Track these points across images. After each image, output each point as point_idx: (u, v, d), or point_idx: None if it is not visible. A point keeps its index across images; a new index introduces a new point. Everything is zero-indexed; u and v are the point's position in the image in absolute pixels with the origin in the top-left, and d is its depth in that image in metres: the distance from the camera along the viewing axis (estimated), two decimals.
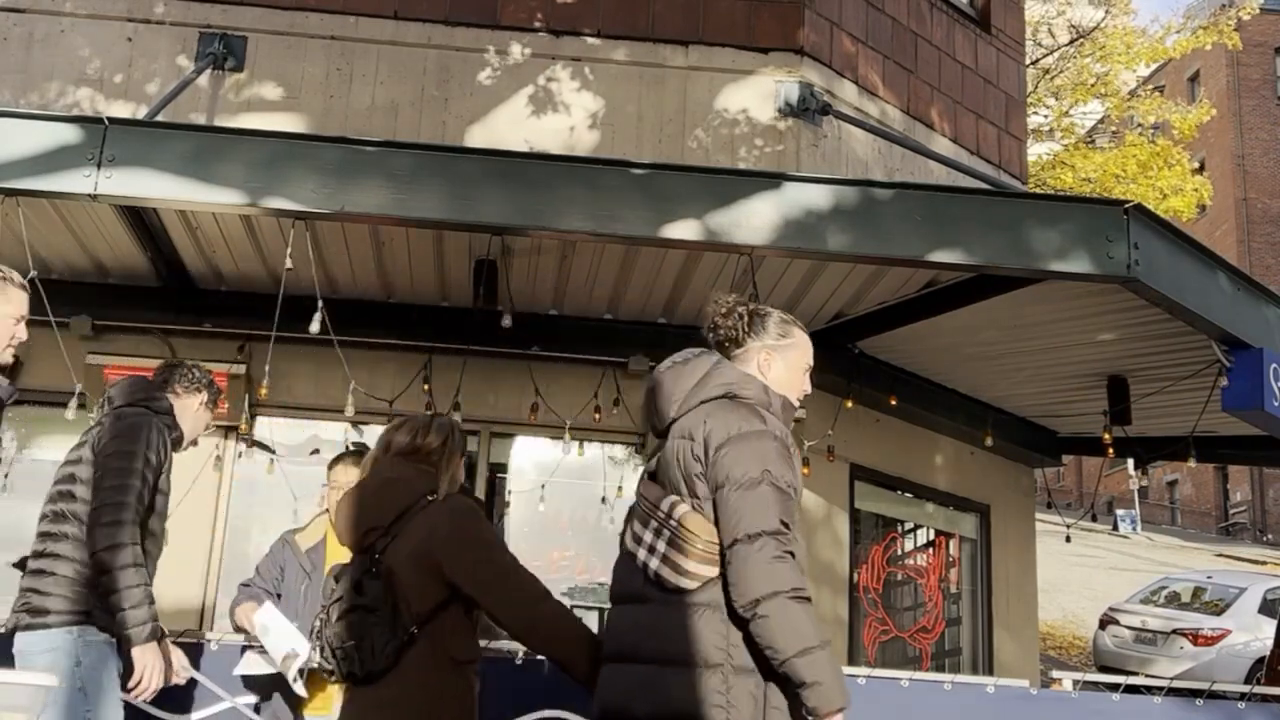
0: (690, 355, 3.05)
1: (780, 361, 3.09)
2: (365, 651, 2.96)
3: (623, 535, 3.10)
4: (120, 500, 3.59)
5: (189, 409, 4.02)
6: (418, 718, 3.00)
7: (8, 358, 3.54)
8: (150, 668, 3.56)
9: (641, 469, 3.16)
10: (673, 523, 2.81)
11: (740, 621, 2.74)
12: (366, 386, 6.85)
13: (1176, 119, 20.79)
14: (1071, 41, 21.18)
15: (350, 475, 4.34)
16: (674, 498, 2.87)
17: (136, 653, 3.54)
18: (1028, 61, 16.10)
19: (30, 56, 7.63)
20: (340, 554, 4.32)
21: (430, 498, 3.14)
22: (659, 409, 2.99)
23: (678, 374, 3.00)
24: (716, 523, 2.80)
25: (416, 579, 3.03)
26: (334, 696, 4.18)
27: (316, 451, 7.44)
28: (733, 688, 2.71)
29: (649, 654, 2.79)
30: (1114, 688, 5.32)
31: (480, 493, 7.51)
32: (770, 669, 2.73)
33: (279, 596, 4.35)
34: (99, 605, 3.58)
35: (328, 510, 4.43)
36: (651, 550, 2.85)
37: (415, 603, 3.01)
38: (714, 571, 2.79)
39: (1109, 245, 5.20)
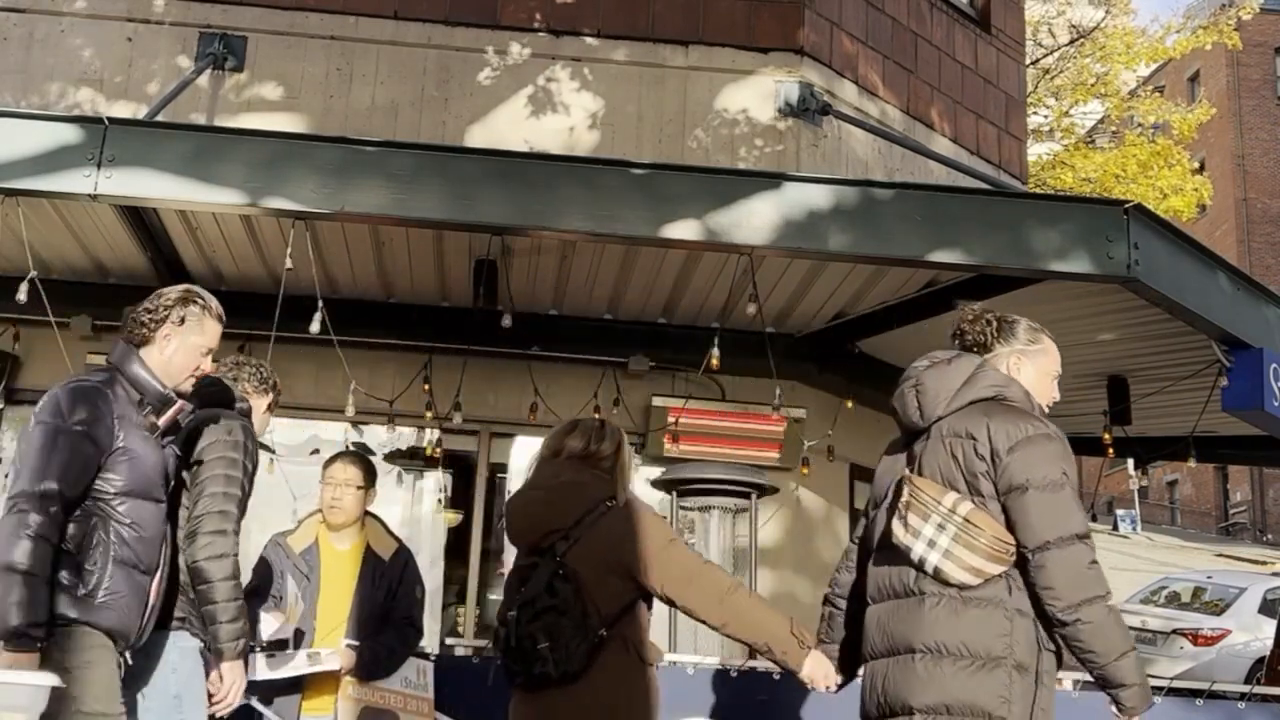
0: (949, 355, 3.11)
1: (1030, 366, 3.18)
2: (560, 653, 3.01)
3: (870, 533, 3.14)
4: (225, 509, 3.52)
5: (258, 411, 3.96)
6: (609, 718, 3.07)
7: (187, 387, 3.45)
8: (237, 683, 3.52)
9: (887, 464, 3.18)
10: (958, 519, 2.83)
11: (1037, 621, 2.82)
12: (366, 386, 6.85)
13: (1176, 119, 20.80)
14: (1071, 41, 21.18)
15: (349, 473, 4.33)
16: (955, 494, 2.89)
17: (227, 667, 3.46)
18: (1028, 61, 16.10)
19: (30, 56, 7.63)
20: (337, 556, 4.33)
21: (610, 503, 3.21)
22: (923, 406, 3.02)
23: (941, 373, 3.05)
24: (1007, 523, 2.84)
25: (604, 581, 3.10)
26: (333, 697, 4.18)
27: (316, 451, 7.44)
28: (1014, 684, 2.78)
29: (928, 647, 2.83)
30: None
31: (480, 492, 7.52)
32: (1041, 667, 2.83)
33: (279, 599, 4.33)
34: (193, 612, 3.51)
35: (319, 511, 4.42)
36: (931, 545, 2.86)
37: (603, 605, 3.08)
38: (998, 568, 2.82)
39: (1109, 245, 5.20)
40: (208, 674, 3.47)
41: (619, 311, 7.26)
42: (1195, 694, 5.26)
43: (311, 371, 7.07)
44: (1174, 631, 13.43)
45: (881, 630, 2.96)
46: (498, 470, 7.67)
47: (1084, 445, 9.51)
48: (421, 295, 7.15)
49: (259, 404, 3.95)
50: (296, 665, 4.11)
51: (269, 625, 4.05)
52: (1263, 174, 36.59)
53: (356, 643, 4.21)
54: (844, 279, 6.49)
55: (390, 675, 4.31)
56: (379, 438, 7.64)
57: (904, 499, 2.92)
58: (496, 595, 7.59)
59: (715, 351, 5.88)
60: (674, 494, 6.88)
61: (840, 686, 3.25)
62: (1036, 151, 20.37)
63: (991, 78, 9.68)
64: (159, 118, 6.81)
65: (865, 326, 7.14)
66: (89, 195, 5.04)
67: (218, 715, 3.56)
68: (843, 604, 3.28)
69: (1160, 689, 5.28)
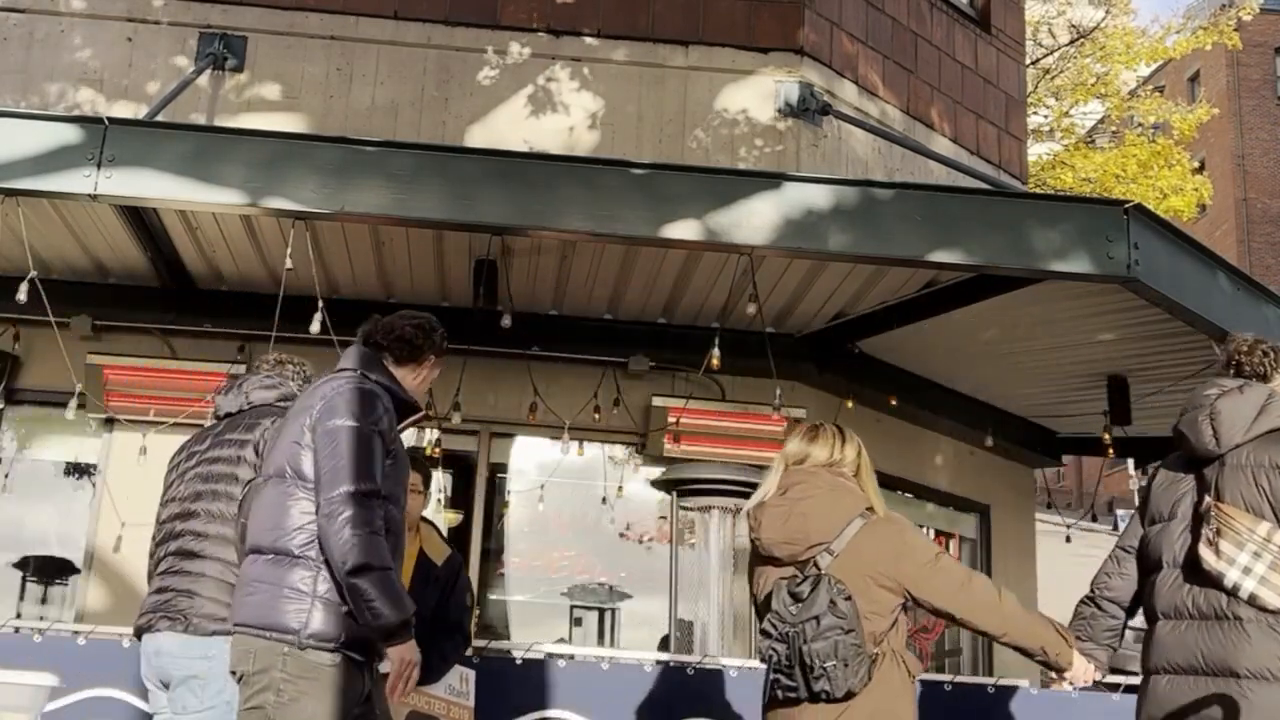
0: (1237, 383, 3.27)
1: None
2: (851, 671, 3.04)
3: (1154, 549, 3.29)
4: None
5: None
6: None
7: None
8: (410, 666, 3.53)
9: (1165, 483, 3.35)
10: (1274, 547, 3.02)
11: None
12: None
13: (1176, 119, 20.79)
14: (1071, 41, 21.17)
15: (410, 479, 4.34)
16: (1269, 524, 3.06)
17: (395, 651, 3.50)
18: (1028, 61, 16.10)
19: (30, 56, 7.63)
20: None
21: (869, 513, 3.23)
22: (1219, 434, 3.18)
23: (1235, 401, 3.20)
24: None
25: (872, 595, 3.13)
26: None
27: None
28: None
29: (1252, 672, 2.99)
30: (1114, 688, 5.31)
31: (480, 493, 7.52)
32: None
33: None
34: None
35: None
36: (1247, 571, 3.03)
37: (874, 619, 3.12)
38: None
39: (1109, 245, 5.20)
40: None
41: (619, 311, 7.26)
42: None
43: (311, 372, 7.06)
44: None
45: (1186, 648, 3.12)
46: (498, 470, 7.67)
47: (1084, 445, 9.54)
48: (421, 295, 7.15)
49: None
50: None
51: None
52: (1263, 174, 36.58)
53: None
54: (844, 279, 6.49)
55: (437, 681, 4.32)
56: None
57: (1213, 526, 3.08)
58: (497, 595, 7.59)
59: (715, 351, 5.88)
60: (674, 494, 6.89)
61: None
62: (1036, 151, 20.37)
63: (991, 78, 9.68)
64: (159, 118, 6.81)
65: (865, 326, 7.13)
66: (89, 195, 5.04)
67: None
68: (1113, 608, 3.45)
69: None
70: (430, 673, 4.24)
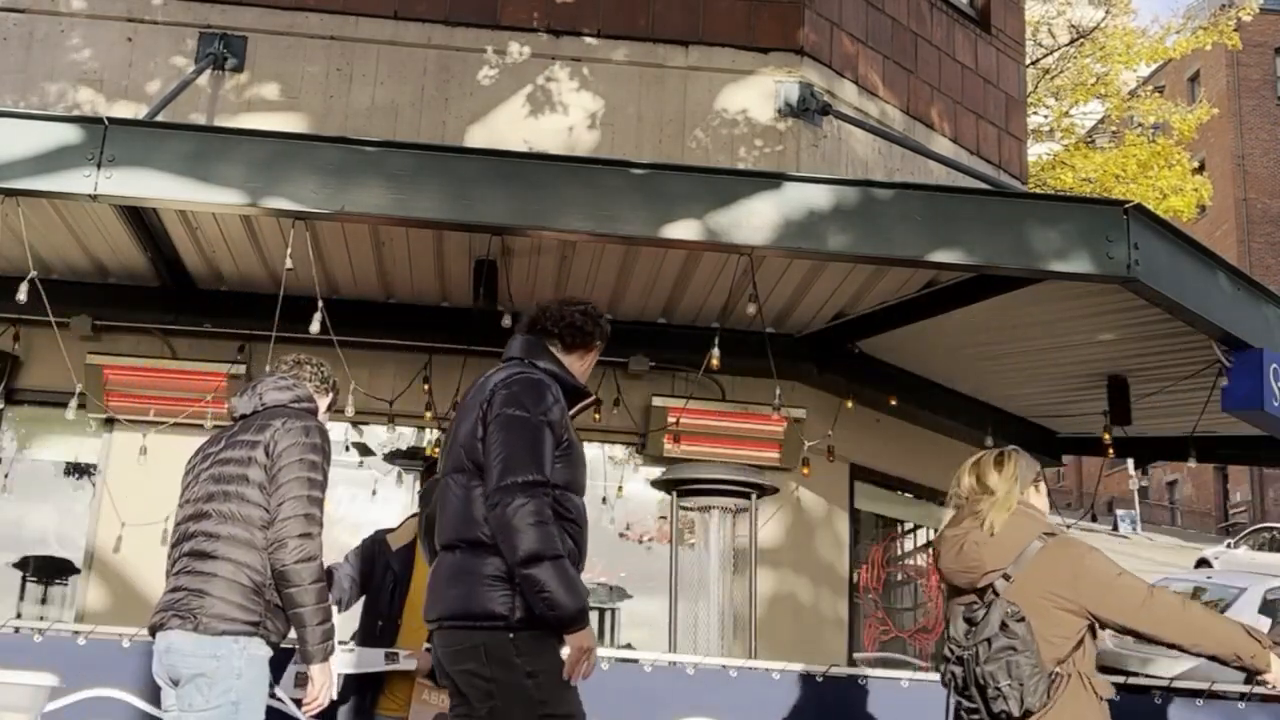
0: None
1: None
2: (1028, 691, 3.10)
3: None
4: (310, 512, 3.51)
5: (319, 411, 3.97)
6: None
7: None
8: (327, 685, 3.54)
9: None
10: None
11: None
12: (366, 386, 6.84)
13: (1176, 119, 20.79)
14: (1071, 41, 21.18)
15: None
16: None
17: (316, 669, 3.50)
18: (1028, 61, 16.10)
19: (30, 56, 7.63)
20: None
21: (1046, 537, 3.27)
22: None
23: None
24: None
25: (1053, 617, 3.18)
26: (407, 698, 4.16)
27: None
28: None
29: None
30: (1114, 688, 5.31)
31: None
32: None
33: (361, 589, 4.36)
34: (267, 615, 3.50)
35: (415, 515, 4.43)
36: None
37: (1055, 640, 3.16)
38: None
39: (1109, 245, 5.20)
40: (276, 683, 3.48)
41: (619, 311, 7.25)
42: (1195, 694, 5.25)
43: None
44: None
45: None
46: None
47: (1084, 445, 9.54)
48: (421, 295, 7.15)
49: (320, 404, 3.96)
50: (372, 662, 4.11)
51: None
52: (1263, 174, 36.59)
53: None
54: (844, 279, 6.49)
55: None
56: (379, 438, 7.64)
57: None
58: None
59: (715, 351, 5.88)
60: (674, 494, 6.87)
61: None
62: (1036, 151, 20.38)
63: (991, 78, 9.68)
64: (159, 118, 6.81)
65: (865, 326, 7.13)
66: (89, 195, 5.04)
67: (308, 716, 3.56)
68: None
69: (1160, 689, 5.28)
70: None
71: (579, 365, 3.51)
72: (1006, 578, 3.22)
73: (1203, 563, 22.02)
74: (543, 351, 3.44)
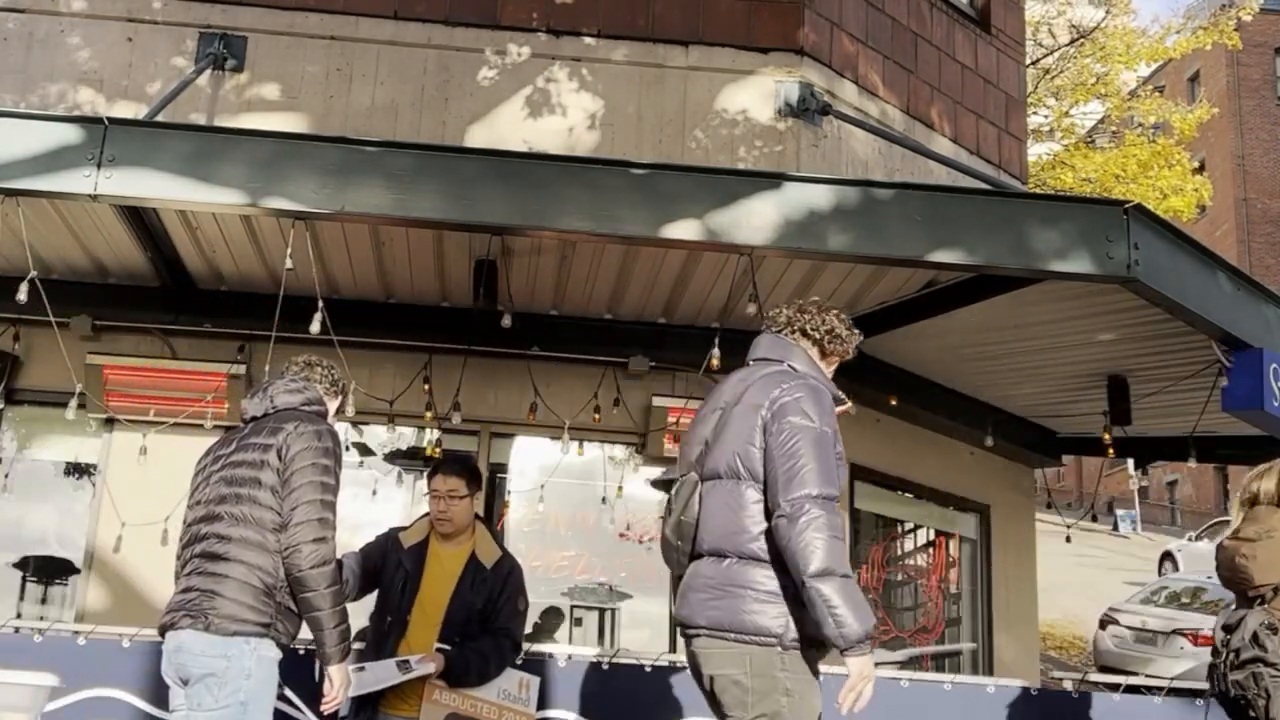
0: None
1: None
2: (1275, 703, 3.17)
3: None
4: (324, 516, 3.52)
5: (330, 413, 3.97)
6: None
7: None
8: (344, 685, 3.57)
9: None
10: None
11: None
12: (366, 386, 6.84)
13: (1176, 119, 20.78)
14: (1071, 41, 21.17)
15: (450, 484, 4.35)
16: None
17: (333, 670, 3.53)
18: (1028, 61, 16.10)
19: (30, 56, 7.63)
20: (443, 557, 4.33)
21: None
22: None
23: None
24: None
25: None
26: (418, 699, 4.15)
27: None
28: None
29: None
30: (1114, 688, 5.32)
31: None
32: None
33: (370, 583, 4.38)
34: (279, 616, 3.51)
35: (428, 514, 4.45)
36: None
37: None
38: None
39: (1109, 245, 5.20)
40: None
41: (619, 311, 7.26)
42: (1195, 694, 5.26)
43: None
44: (1174, 631, 13.43)
45: None
46: (498, 470, 7.67)
47: (1084, 445, 9.54)
48: (421, 295, 7.15)
49: (329, 407, 3.96)
50: (387, 677, 4.10)
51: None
52: (1263, 174, 36.57)
53: (448, 647, 4.20)
54: (844, 279, 6.49)
55: (483, 684, 4.27)
56: (379, 438, 7.65)
57: None
58: None
59: (715, 351, 5.88)
60: None
61: None
62: (1036, 151, 20.37)
63: (991, 78, 9.68)
64: (159, 118, 6.81)
65: (865, 326, 7.08)
66: (89, 195, 5.03)
67: (326, 715, 3.57)
68: None
69: (1160, 689, 5.28)
70: (471, 675, 4.22)
71: (829, 370, 3.50)
72: (1276, 590, 3.28)
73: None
74: (800, 354, 3.41)
